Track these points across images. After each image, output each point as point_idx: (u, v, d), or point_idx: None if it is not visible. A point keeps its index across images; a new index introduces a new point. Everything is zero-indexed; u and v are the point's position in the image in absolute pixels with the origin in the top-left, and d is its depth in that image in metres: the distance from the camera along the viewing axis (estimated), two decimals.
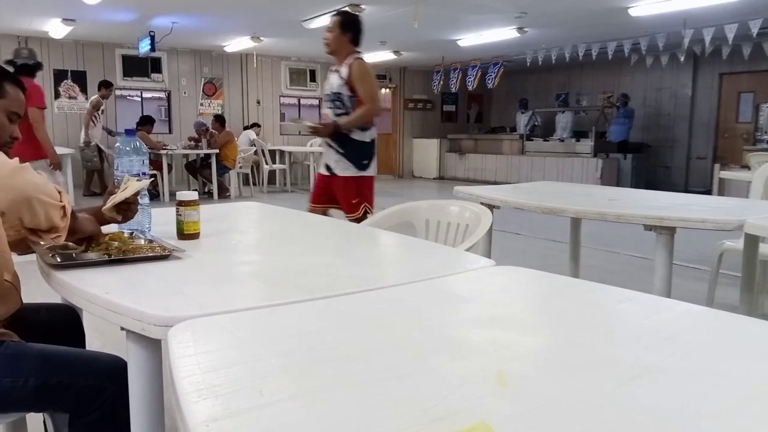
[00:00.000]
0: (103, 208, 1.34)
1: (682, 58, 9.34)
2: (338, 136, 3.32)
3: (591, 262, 4.41)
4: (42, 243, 1.24)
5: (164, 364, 0.96)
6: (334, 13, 3.46)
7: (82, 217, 1.33)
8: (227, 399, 0.64)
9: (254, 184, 10.05)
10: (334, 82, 3.31)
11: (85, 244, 1.34)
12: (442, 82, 12.28)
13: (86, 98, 10.12)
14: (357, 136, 3.31)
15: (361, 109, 3.25)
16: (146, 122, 8.72)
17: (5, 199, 1.14)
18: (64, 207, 1.22)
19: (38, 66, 4.70)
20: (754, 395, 0.68)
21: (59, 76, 9.89)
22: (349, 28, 3.28)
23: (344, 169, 3.32)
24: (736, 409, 0.65)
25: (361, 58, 3.28)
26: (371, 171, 3.36)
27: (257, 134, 10.39)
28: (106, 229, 1.41)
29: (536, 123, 12.28)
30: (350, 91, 3.25)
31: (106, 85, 8.85)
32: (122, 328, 0.99)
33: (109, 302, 1.01)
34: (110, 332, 1.32)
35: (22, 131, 4.15)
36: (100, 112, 8.73)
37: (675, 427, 0.60)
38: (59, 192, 1.23)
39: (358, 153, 3.31)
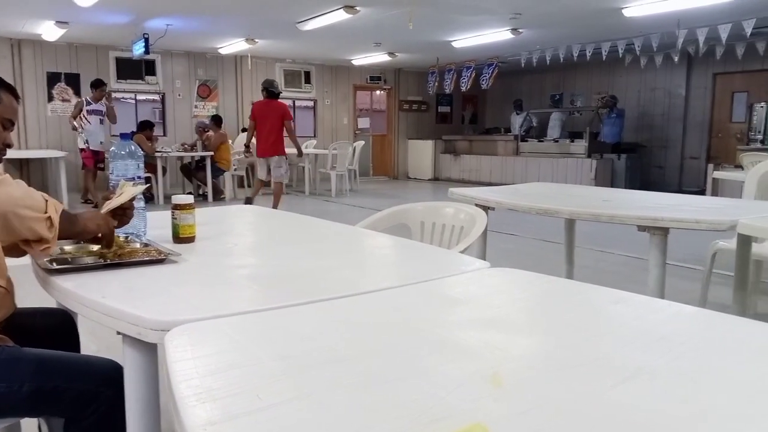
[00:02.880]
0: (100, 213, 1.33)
1: (676, 59, 9.38)
2: None
3: (585, 262, 4.43)
4: (33, 255, 1.22)
5: (161, 368, 0.96)
6: None
7: (85, 218, 1.31)
8: (225, 403, 0.64)
9: (249, 186, 10.04)
10: None
11: (101, 245, 1.34)
12: (437, 84, 12.29)
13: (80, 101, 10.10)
14: None
15: None
16: (145, 127, 8.64)
17: None
18: (50, 218, 1.19)
19: (280, 92, 7.48)
20: (746, 395, 0.69)
21: (52, 78, 9.85)
22: None
23: None
24: (729, 408, 0.66)
25: None
26: None
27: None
28: None
29: (532, 125, 12.30)
30: None
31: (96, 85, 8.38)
32: (118, 333, 0.99)
33: (105, 306, 1.01)
34: (106, 336, 1.32)
35: (271, 132, 5.97)
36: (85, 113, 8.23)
37: (668, 428, 0.61)
38: (46, 200, 1.21)
39: None
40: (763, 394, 0.69)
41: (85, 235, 1.31)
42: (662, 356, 0.79)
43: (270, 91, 7.11)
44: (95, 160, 8.25)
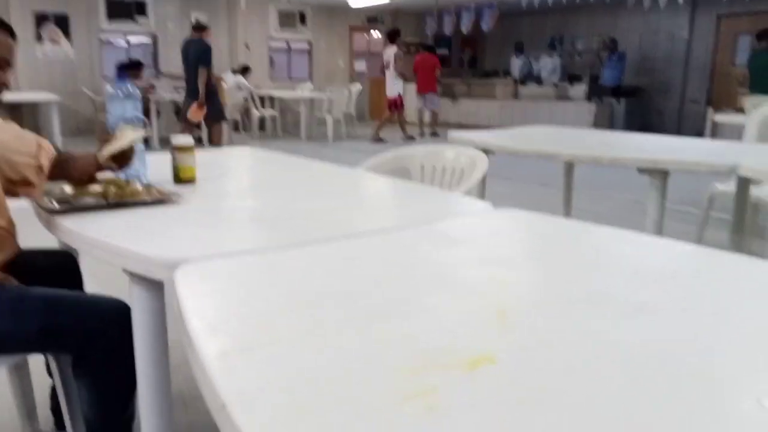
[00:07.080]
0: (99, 155, 1.32)
1: (680, 0, 9.15)
2: None
3: (582, 205, 4.44)
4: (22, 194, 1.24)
5: (168, 306, 0.98)
6: None
7: (76, 159, 1.32)
8: (237, 335, 0.65)
9: (245, 130, 9.92)
10: None
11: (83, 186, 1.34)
12: (436, 26, 11.99)
13: (71, 43, 9.81)
14: None
15: None
16: (134, 67, 8.40)
17: None
18: (40, 165, 1.20)
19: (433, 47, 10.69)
20: (746, 330, 0.70)
21: (41, 19, 9.57)
22: None
23: None
24: (729, 343, 0.67)
25: None
26: None
27: (246, 79, 10.14)
28: (102, 175, 1.40)
29: (531, 68, 12.07)
30: None
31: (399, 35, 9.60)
32: (124, 270, 1.00)
33: (112, 245, 1.01)
34: (108, 276, 1.34)
35: (427, 76, 10.08)
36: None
37: (669, 362, 0.62)
38: (39, 144, 1.21)
39: None
40: (765, 329, 0.71)
41: (71, 180, 1.33)
42: (666, 292, 0.80)
43: (426, 45, 10.62)
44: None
